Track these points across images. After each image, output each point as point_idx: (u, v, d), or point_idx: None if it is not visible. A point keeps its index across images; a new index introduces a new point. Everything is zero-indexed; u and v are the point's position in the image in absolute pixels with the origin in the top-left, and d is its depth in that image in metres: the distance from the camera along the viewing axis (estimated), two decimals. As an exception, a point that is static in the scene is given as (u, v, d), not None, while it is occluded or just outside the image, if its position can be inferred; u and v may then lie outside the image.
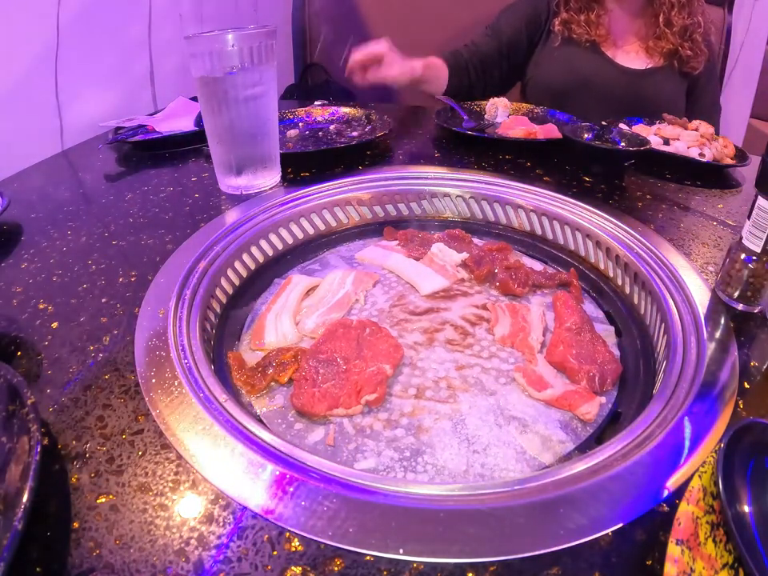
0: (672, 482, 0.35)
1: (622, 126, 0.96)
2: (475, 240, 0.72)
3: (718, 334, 0.49)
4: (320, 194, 0.74)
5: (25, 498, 0.29)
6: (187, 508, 0.33)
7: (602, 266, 0.67)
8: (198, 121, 0.96)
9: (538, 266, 0.68)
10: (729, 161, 0.88)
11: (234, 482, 0.35)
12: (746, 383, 0.44)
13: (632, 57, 1.17)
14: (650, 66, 1.16)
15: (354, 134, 0.97)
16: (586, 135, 0.87)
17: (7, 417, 0.36)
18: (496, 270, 0.64)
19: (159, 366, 0.44)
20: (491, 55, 1.22)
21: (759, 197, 0.50)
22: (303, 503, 0.33)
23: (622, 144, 0.84)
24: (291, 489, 0.34)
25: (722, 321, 0.51)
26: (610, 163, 0.83)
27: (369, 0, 1.76)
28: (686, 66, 1.14)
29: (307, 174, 0.80)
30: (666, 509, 0.33)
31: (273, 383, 0.49)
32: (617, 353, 0.54)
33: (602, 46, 1.17)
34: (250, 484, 0.35)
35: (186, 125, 0.97)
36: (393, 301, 0.61)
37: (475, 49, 1.21)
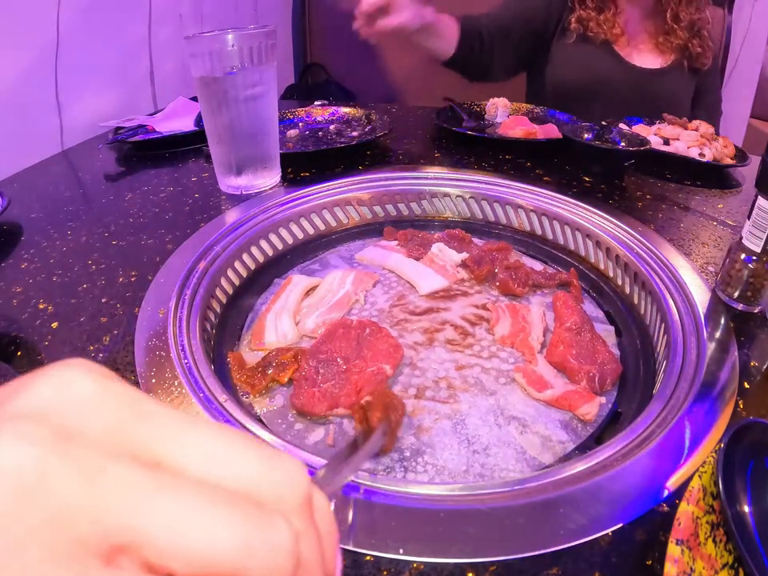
0: (672, 482, 0.35)
1: (622, 126, 0.97)
2: (475, 240, 0.72)
3: (718, 334, 0.49)
4: (320, 194, 0.74)
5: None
6: (187, 508, 0.33)
7: (602, 266, 0.67)
8: (198, 121, 0.96)
9: (538, 266, 0.68)
10: (729, 161, 0.88)
11: (234, 482, 0.35)
12: (746, 383, 0.44)
13: (644, 56, 1.18)
14: (661, 66, 1.16)
15: (354, 133, 0.97)
16: (586, 135, 0.87)
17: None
18: (496, 270, 0.64)
19: (159, 366, 0.44)
20: (508, 26, 1.17)
21: (759, 197, 0.50)
22: (303, 503, 0.33)
23: (622, 144, 0.84)
24: (291, 489, 0.34)
25: (722, 321, 0.51)
26: (610, 163, 0.83)
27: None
28: (696, 63, 1.15)
29: (307, 174, 0.80)
30: (666, 509, 0.33)
31: (273, 383, 0.49)
32: (617, 353, 0.54)
33: (616, 45, 1.17)
34: (250, 484, 0.35)
35: (186, 125, 0.97)
36: (393, 301, 0.61)
37: (494, 16, 1.18)
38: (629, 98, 1.15)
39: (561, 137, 0.88)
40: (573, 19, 1.16)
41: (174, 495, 0.12)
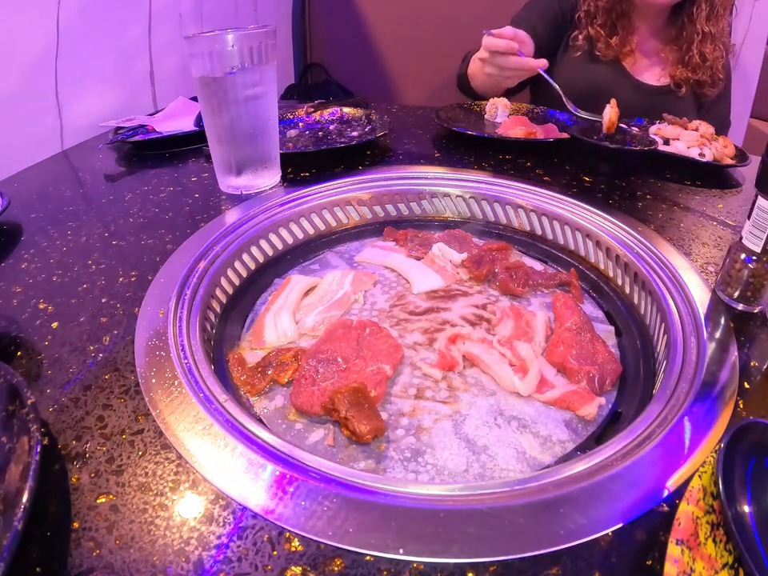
0: (672, 482, 0.35)
1: (622, 125, 0.96)
2: (475, 240, 0.72)
3: (718, 334, 0.49)
4: (320, 194, 0.74)
5: (25, 498, 0.29)
6: (187, 508, 0.33)
7: (602, 266, 0.67)
8: (198, 121, 0.96)
9: (538, 265, 0.68)
10: (729, 161, 0.88)
11: (234, 482, 0.35)
12: (745, 383, 0.44)
13: (650, 72, 1.17)
14: (665, 84, 1.16)
15: (354, 133, 0.97)
16: (594, 135, 0.87)
17: (7, 417, 0.36)
18: (496, 270, 0.64)
19: (159, 366, 0.44)
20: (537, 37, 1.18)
21: (759, 197, 0.50)
22: (303, 503, 0.33)
23: (631, 144, 0.84)
24: (291, 489, 0.34)
25: (722, 321, 0.51)
26: (620, 163, 0.83)
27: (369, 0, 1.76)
28: (701, 90, 1.14)
29: (307, 174, 0.80)
30: (666, 509, 0.33)
31: (273, 383, 0.49)
32: (617, 353, 0.54)
33: (624, 60, 1.16)
34: (250, 484, 0.35)
35: (186, 125, 0.97)
36: (393, 301, 0.61)
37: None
38: (633, 113, 1.15)
39: (561, 137, 0.89)
40: (580, 36, 1.16)
41: None
